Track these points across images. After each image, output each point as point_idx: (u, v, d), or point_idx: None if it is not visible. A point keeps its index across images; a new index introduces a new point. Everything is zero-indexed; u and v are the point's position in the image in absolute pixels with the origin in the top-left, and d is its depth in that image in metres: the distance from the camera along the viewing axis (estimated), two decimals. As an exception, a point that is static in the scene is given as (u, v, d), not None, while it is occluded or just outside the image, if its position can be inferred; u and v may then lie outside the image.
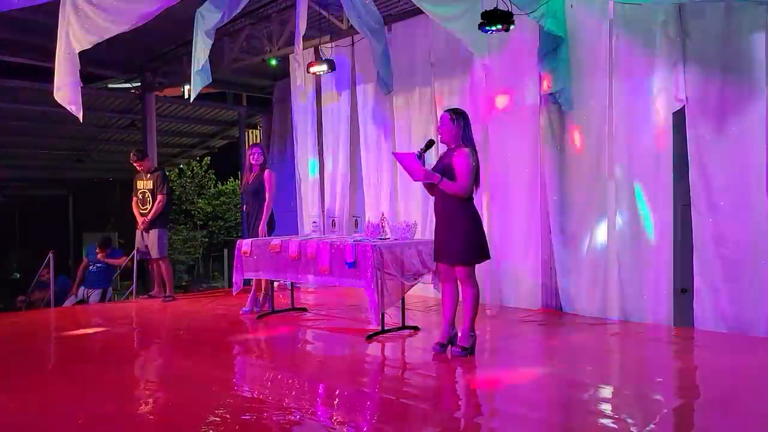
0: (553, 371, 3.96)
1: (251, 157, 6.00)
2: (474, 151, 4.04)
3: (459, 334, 4.15)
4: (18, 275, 17.16)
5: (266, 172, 5.94)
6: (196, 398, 3.43)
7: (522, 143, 5.95)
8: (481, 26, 4.81)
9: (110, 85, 10.29)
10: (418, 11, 6.18)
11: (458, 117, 4.06)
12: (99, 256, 7.91)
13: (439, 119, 4.16)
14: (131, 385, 3.86)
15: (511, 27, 4.78)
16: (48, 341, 5.34)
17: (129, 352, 4.80)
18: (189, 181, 15.29)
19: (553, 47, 5.50)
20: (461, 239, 4.00)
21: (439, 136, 4.15)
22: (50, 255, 7.76)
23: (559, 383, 3.71)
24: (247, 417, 3.07)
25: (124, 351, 4.80)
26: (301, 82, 6.89)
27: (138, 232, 6.91)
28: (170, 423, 3.09)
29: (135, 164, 6.99)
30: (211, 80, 5.73)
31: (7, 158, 12.96)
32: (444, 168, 4.02)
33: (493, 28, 4.75)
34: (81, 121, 5.68)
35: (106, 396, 3.52)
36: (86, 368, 4.18)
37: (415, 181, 4.24)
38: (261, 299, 6.00)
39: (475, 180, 4.01)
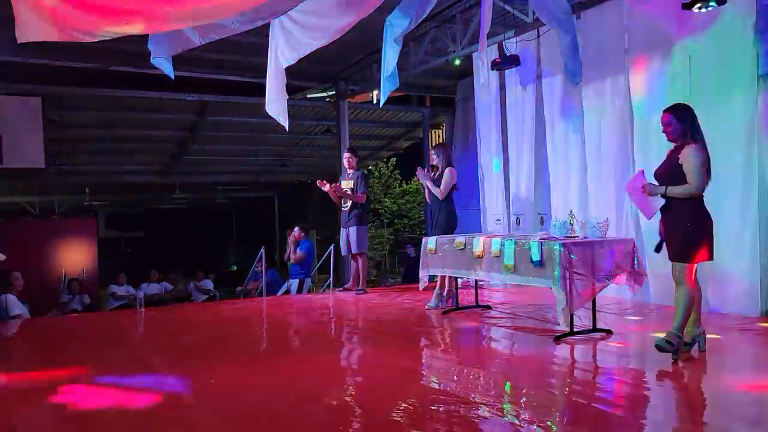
0: (776, 388, 3.47)
1: (432, 159, 6.31)
2: (703, 145, 3.84)
3: (702, 333, 4.03)
4: (235, 267, 19.56)
5: (447, 168, 6.12)
6: (388, 386, 3.63)
7: (734, 130, 5.29)
8: (685, 6, 4.39)
9: (309, 95, 11.21)
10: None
11: (685, 112, 3.90)
12: (297, 235, 8.64)
13: (661, 121, 3.96)
14: (331, 370, 4.18)
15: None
16: (260, 327, 6.07)
17: (328, 341, 5.21)
18: (376, 181, 16.05)
19: (774, 19, 4.83)
20: (681, 236, 3.85)
21: (665, 136, 3.98)
22: (262, 249, 8.73)
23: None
24: (434, 408, 3.17)
25: (324, 340, 5.22)
26: (484, 79, 6.88)
27: (342, 230, 7.39)
28: (366, 406, 3.31)
29: (347, 160, 7.40)
30: (398, 85, 5.96)
31: (224, 165, 14.83)
32: (672, 166, 3.89)
33: (704, 4, 4.32)
34: (287, 129, 6.24)
35: (309, 378, 3.88)
36: (289, 357, 4.64)
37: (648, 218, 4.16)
38: (445, 295, 6.13)
39: (707, 174, 3.82)
